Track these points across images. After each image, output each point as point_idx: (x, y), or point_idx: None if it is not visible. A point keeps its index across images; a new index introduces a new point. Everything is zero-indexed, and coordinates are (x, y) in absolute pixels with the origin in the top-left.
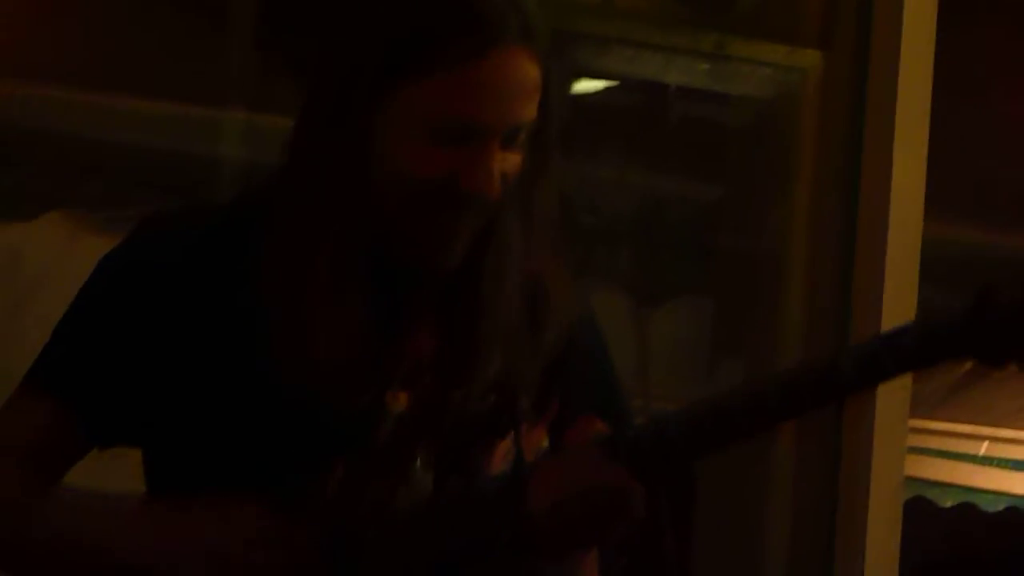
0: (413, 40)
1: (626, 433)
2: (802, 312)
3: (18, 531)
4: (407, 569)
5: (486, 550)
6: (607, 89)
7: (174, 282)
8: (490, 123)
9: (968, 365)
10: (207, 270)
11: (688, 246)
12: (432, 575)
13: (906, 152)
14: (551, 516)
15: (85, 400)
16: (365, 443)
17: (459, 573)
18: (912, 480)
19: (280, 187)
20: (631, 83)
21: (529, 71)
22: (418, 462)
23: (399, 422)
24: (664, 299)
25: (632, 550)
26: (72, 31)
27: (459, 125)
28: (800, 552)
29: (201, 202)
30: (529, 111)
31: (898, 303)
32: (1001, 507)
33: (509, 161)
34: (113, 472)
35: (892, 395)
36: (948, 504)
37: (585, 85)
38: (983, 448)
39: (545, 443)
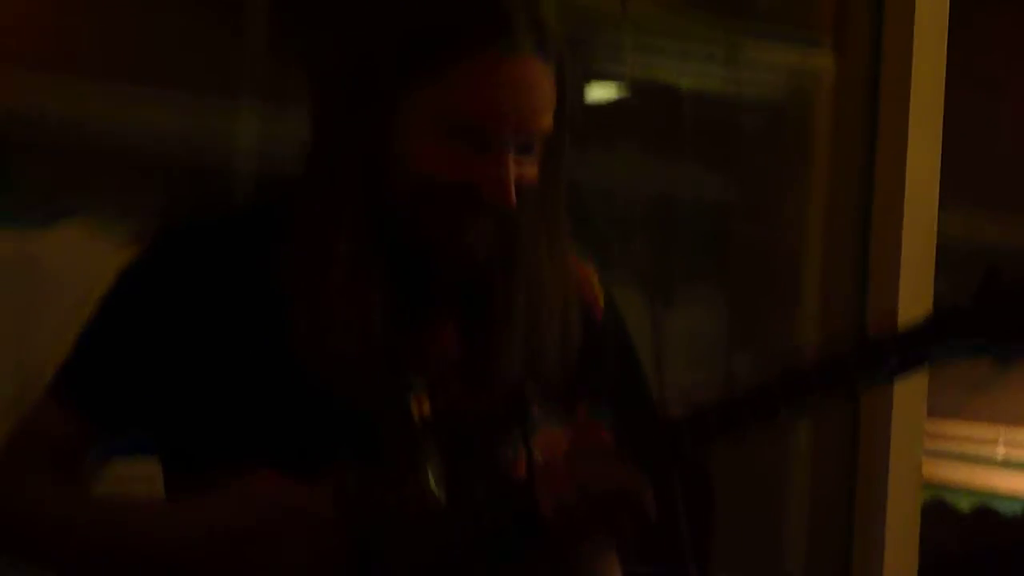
0: (429, 41)
1: (635, 430)
2: (818, 309)
3: (51, 531)
4: (419, 570)
5: (498, 551)
6: (621, 94)
7: (192, 292)
8: (504, 128)
9: (983, 366)
10: (224, 279)
11: (704, 246)
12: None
13: (920, 150)
14: (559, 517)
15: (103, 412)
16: (387, 444)
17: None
18: (930, 483)
19: (299, 187)
20: (645, 87)
21: (543, 82)
22: (430, 469)
23: (415, 426)
24: (679, 296)
25: (649, 552)
26: (88, 41)
27: (473, 129)
28: (818, 556)
29: (215, 211)
30: (544, 121)
31: (914, 298)
32: (1019, 510)
33: (525, 168)
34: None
35: (908, 398)
36: (966, 507)
37: (600, 90)
38: (1001, 451)
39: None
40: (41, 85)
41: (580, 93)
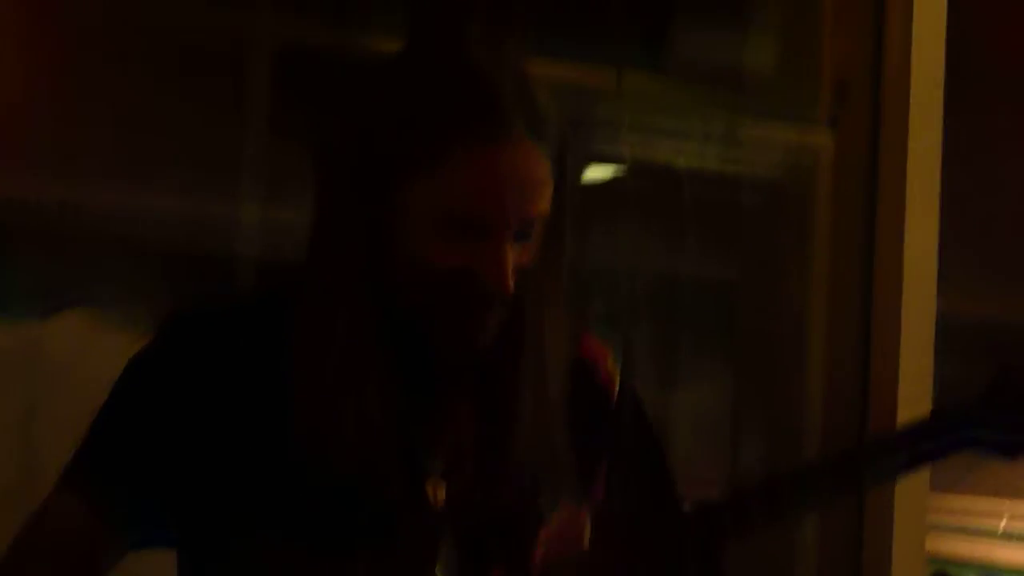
0: (419, 135)
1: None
2: (822, 389)
3: None
4: None
5: None
6: (618, 174)
7: (202, 381)
8: (500, 218)
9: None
10: (234, 367)
11: (706, 327)
12: None
13: (919, 226)
14: None
15: (118, 504)
16: (399, 531)
17: None
18: (933, 557)
19: (303, 279)
20: (643, 168)
21: (539, 167)
22: (441, 558)
23: (430, 511)
24: (682, 381)
25: None
26: (85, 128)
27: (467, 221)
28: None
29: (225, 298)
30: (540, 205)
31: (915, 375)
32: None
33: (523, 253)
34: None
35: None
36: None
37: (597, 171)
38: (1003, 524)
39: (588, 528)
40: (39, 173)
41: (577, 173)
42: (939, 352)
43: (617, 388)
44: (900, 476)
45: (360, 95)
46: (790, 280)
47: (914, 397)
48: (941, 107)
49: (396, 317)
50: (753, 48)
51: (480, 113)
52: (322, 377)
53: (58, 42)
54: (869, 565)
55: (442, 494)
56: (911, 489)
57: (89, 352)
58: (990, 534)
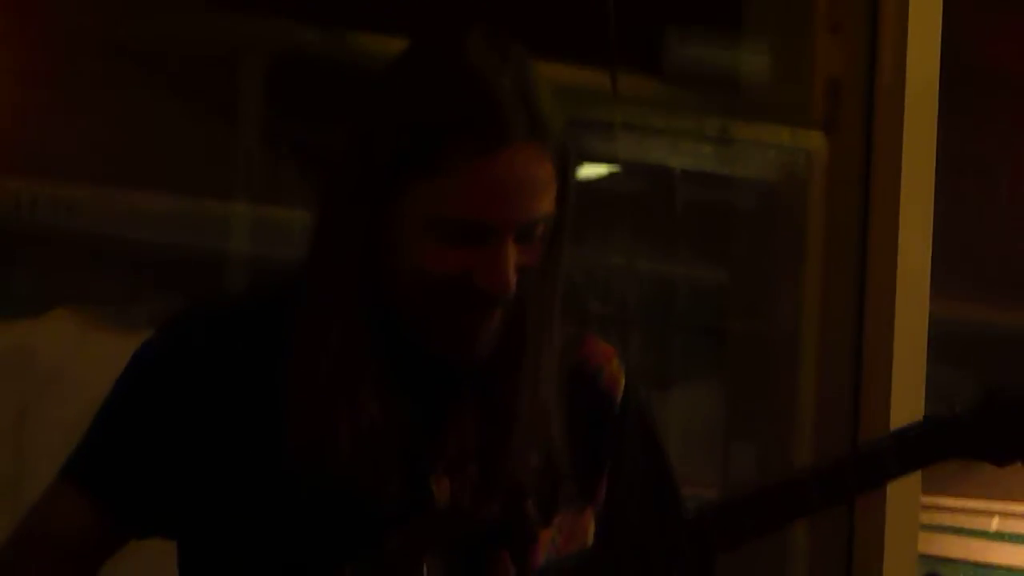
0: (421, 138)
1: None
2: (814, 393)
3: None
4: None
5: None
6: (612, 174)
7: (206, 376)
8: (500, 222)
9: None
10: (239, 363)
11: (698, 329)
12: None
13: (912, 230)
14: None
15: (121, 495)
16: (394, 535)
17: None
18: (925, 557)
19: (303, 281)
20: (636, 168)
21: (541, 167)
22: (425, 569)
23: (409, 524)
24: (674, 383)
25: None
26: (78, 128)
27: (468, 225)
28: None
29: (231, 296)
30: (544, 206)
31: (907, 380)
32: None
33: (526, 254)
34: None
35: None
36: None
37: (590, 171)
38: (995, 523)
39: (592, 528)
40: (31, 172)
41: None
42: (932, 355)
43: (621, 391)
44: (891, 481)
45: (362, 98)
46: (783, 283)
47: (906, 400)
48: (935, 110)
49: (395, 320)
50: (747, 51)
51: (481, 117)
52: (316, 381)
53: (53, 44)
54: (861, 565)
55: (446, 491)
56: (903, 489)
57: (80, 351)
58: (982, 534)
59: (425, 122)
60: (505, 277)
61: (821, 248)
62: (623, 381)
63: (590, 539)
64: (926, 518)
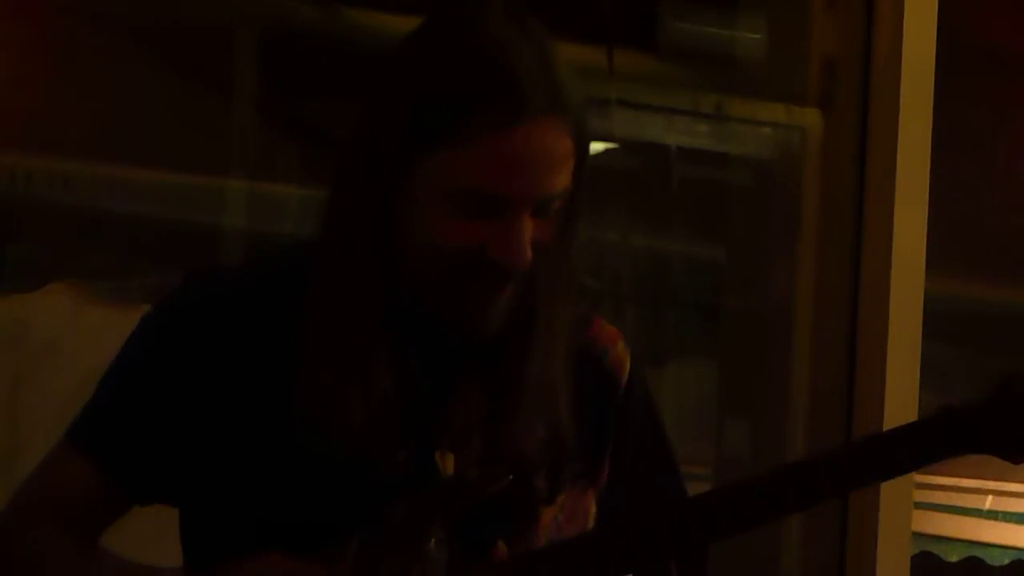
0: (439, 110)
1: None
2: (808, 370)
3: None
4: None
5: None
6: (608, 151)
7: (214, 343)
8: (518, 196)
9: None
10: (247, 331)
11: (692, 306)
12: None
13: (907, 207)
14: None
15: (125, 460)
16: (400, 508)
17: None
18: (918, 535)
19: (316, 251)
20: (632, 145)
21: (560, 141)
22: (433, 541)
23: (418, 496)
24: (669, 360)
25: None
26: (74, 102)
27: (485, 198)
28: None
29: (242, 263)
30: (561, 181)
31: (902, 357)
32: (1007, 561)
33: (542, 229)
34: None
35: None
36: (954, 559)
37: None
38: (988, 502)
39: (594, 509)
40: (26, 146)
41: None
42: (927, 332)
43: (627, 373)
44: (904, 473)
45: (378, 70)
46: (778, 260)
47: (902, 377)
48: (931, 87)
49: (406, 293)
50: (743, 28)
51: (502, 90)
52: (330, 353)
53: (49, 19)
54: (855, 543)
55: (450, 466)
56: None
57: (75, 325)
58: (975, 513)
59: (445, 95)
60: (521, 251)
61: (816, 225)
62: (628, 363)
63: (591, 520)
64: (920, 496)
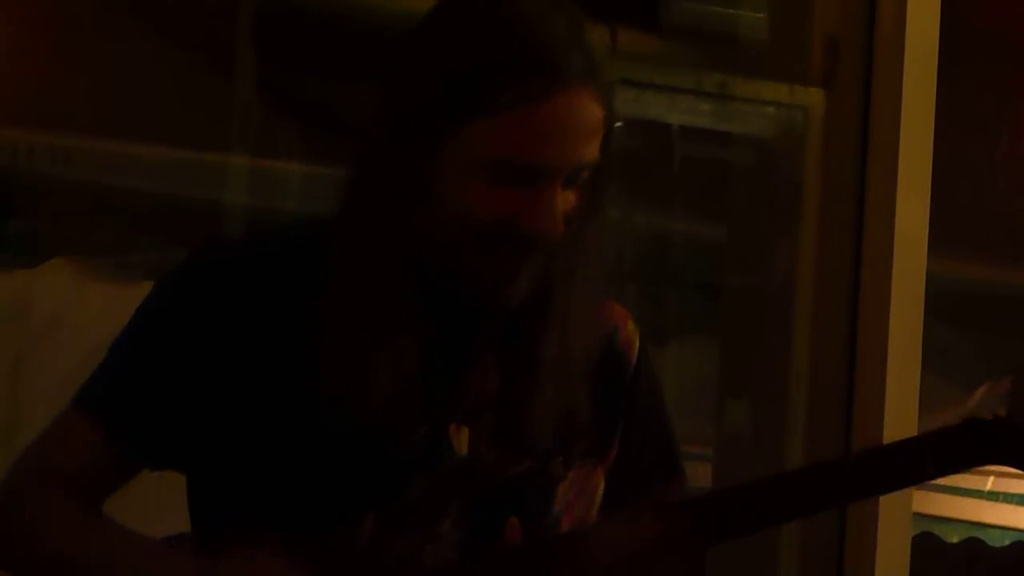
0: (477, 78)
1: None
2: (808, 350)
3: (53, 553)
4: None
5: None
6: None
7: (229, 311)
8: (554, 164)
9: (973, 404)
10: (263, 300)
11: (693, 285)
12: None
13: (910, 188)
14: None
15: (134, 425)
16: (416, 483)
17: None
18: (919, 516)
19: (340, 224)
20: (635, 123)
21: (593, 111)
22: (448, 521)
23: (436, 476)
24: (670, 339)
25: None
26: (75, 78)
27: (521, 166)
28: None
29: (258, 235)
30: (592, 151)
31: (904, 338)
32: (1008, 542)
33: (570, 200)
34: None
35: (899, 433)
36: (955, 539)
37: None
38: (989, 483)
39: (602, 486)
40: (29, 122)
41: None
42: (929, 313)
43: (636, 353)
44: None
45: (409, 43)
46: (779, 239)
47: (903, 358)
48: (935, 67)
49: (433, 265)
50: (746, 7)
51: (540, 59)
52: (357, 325)
53: None
54: (855, 524)
55: (465, 440)
56: None
57: (77, 301)
58: (977, 493)
59: (481, 66)
60: (554, 220)
61: (818, 205)
62: (638, 343)
63: (599, 498)
64: None
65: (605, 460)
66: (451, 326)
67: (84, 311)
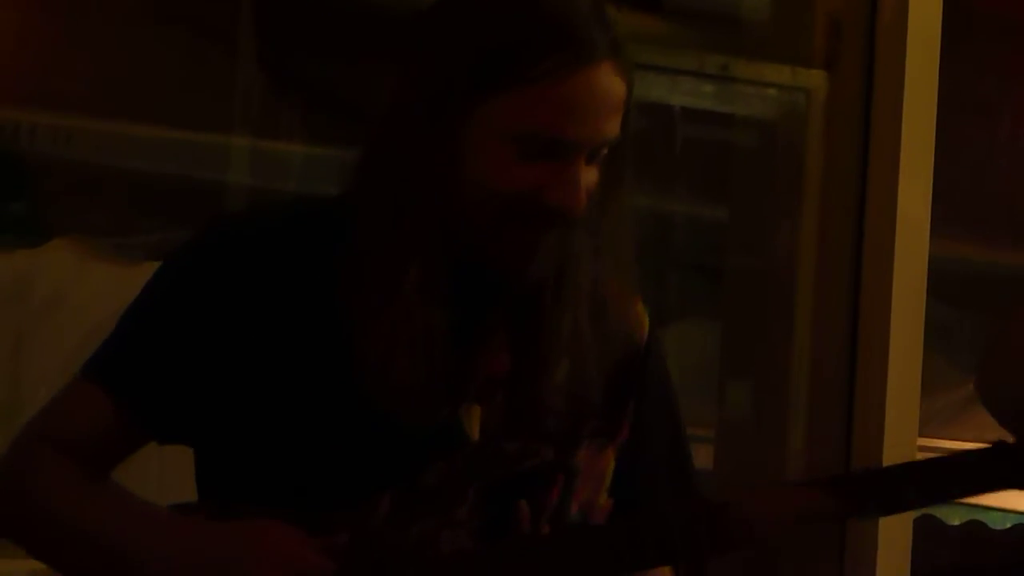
0: (504, 53)
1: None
2: (810, 332)
3: (59, 523)
4: None
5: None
6: None
7: (241, 284)
8: (579, 139)
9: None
10: (276, 274)
11: (695, 267)
12: None
13: (912, 171)
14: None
15: (143, 395)
16: (431, 464)
17: None
18: None
19: (362, 199)
20: (636, 106)
21: (617, 86)
22: (465, 507)
23: (454, 461)
24: (671, 321)
25: None
26: (77, 58)
27: (546, 141)
28: (811, 571)
29: (267, 207)
30: (614, 126)
31: (906, 319)
32: (1009, 524)
33: (591, 176)
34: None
35: (901, 415)
36: (956, 522)
37: None
38: None
39: (612, 466)
40: (31, 102)
41: None
42: (931, 295)
43: (646, 333)
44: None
45: (435, 17)
46: (781, 221)
47: (905, 339)
48: (937, 49)
49: (455, 239)
50: None
51: (566, 34)
52: (378, 295)
53: None
54: None
55: (476, 419)
56: (899, 431)
57: (79, 281)
58: None
59: (510, 40)
60: (578, 195)
61: (820, 187)
62: (647, 324)
63: (608, 478)
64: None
65: (614, 441)
66: (466, 304)
67: (86, 291)
